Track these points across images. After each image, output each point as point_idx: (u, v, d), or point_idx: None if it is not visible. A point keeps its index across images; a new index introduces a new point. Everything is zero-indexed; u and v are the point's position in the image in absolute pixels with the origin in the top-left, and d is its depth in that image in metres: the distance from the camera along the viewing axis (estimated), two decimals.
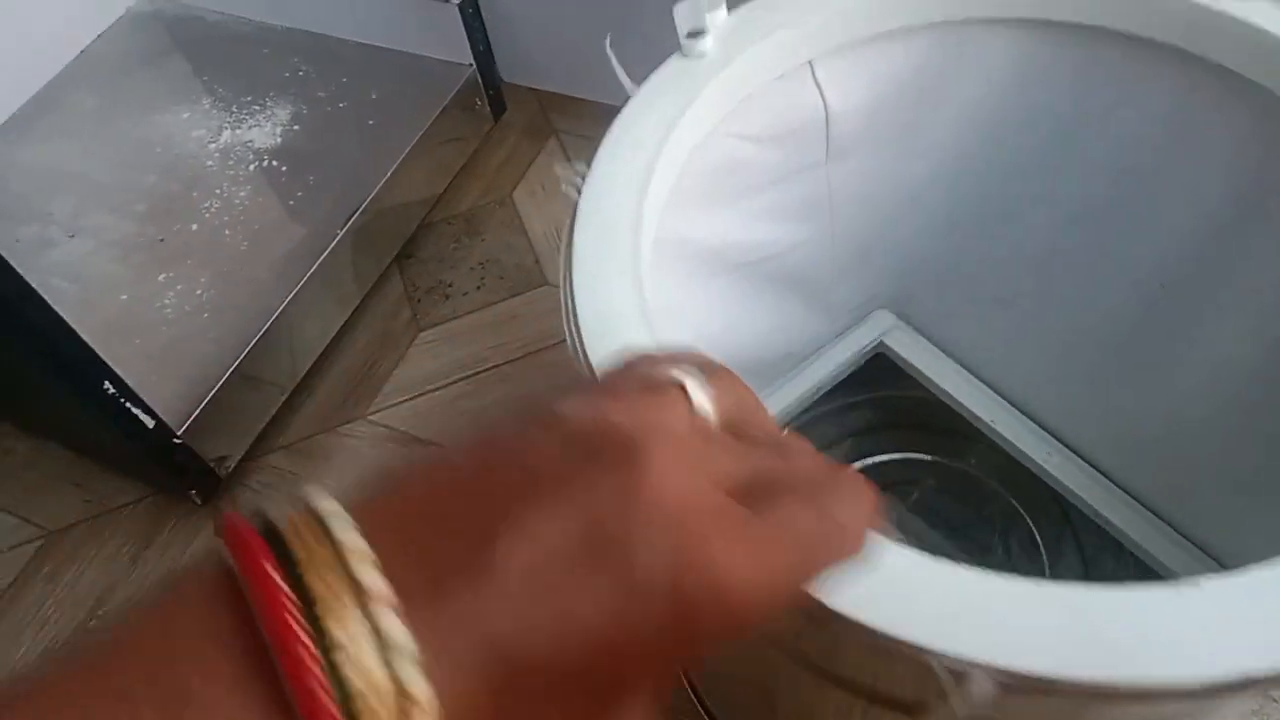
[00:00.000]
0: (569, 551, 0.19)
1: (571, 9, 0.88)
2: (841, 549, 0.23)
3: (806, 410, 0.64)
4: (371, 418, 0.84)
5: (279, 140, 0.89)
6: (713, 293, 0.51)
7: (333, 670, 0.17)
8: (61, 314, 0.60)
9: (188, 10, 1.03)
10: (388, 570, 0.18)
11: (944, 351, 0.63)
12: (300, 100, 0.92)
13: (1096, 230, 0.52)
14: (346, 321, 0.87)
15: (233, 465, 0.79)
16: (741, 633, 0.21)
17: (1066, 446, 0.59)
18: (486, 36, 0.93)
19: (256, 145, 0.88)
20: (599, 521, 0.20)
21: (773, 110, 0.45)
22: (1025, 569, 0.59)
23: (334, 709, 0.17)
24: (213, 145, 0.89)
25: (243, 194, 0.85)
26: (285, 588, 0.18)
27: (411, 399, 0.85)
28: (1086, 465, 0.59)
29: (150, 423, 0.70)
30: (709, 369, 0.25)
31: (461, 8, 0.88)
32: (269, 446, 0.83)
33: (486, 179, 0.98)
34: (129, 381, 0.69)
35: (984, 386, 0.61)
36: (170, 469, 0.74)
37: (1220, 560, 0.55)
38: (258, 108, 0.91)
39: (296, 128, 0.90)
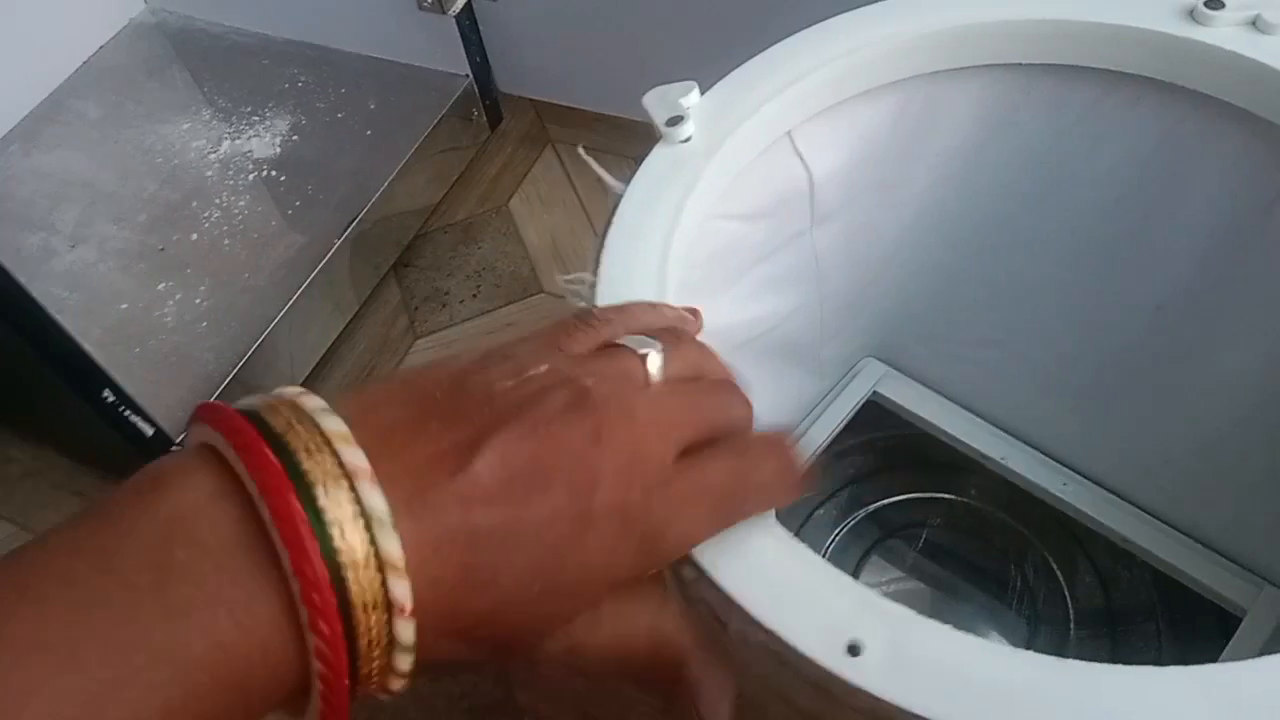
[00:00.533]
0: (533, 473, 0.22)
1: (568, 20, 0.89)
2: (751, 505, 0.27)
3: None
4: None
5: (278, 150, 0.90)
6: None
7: (324, 541, 0.19)
8: (62, 323, 0.61)
9: (190, 21, 1.04)
10: (370, 454, 0.20)
11: (935, 391, 0.63)
12: (299, 111, 0.93)
13: (1085, 265, 0.52)
14: (344, 329, 0.88)
15: None
16: (662, 563, 0.25)
17: (1069, 468, 0.59)
18: (483, 47, 0.94)
19: (256, 155, 0.89)
20: (559, 446, 0.23)
21: (760, 186, 0.44)
22: (1046, 595, 0.60)
23: (325, 574, 0.19)
24: (213, 155, 0.90)
25: (242, 203, 0.86)
26: (280, 465, 0.19)
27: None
28: (1092, 485, 0.59)
29: (149, 430, 0.71)
30: (669, 334, 0.28)
31: (458, 19, 0.89)
32: None
33: (483, 188, 0.99)
34: (129, 390, 0.70)
35: (978, 419, 0.62)
36: None
37: (1242, 563, 0.55)
38: (257, 118, 0.92)
39: (295, 138, 0.91)
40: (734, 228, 0.44)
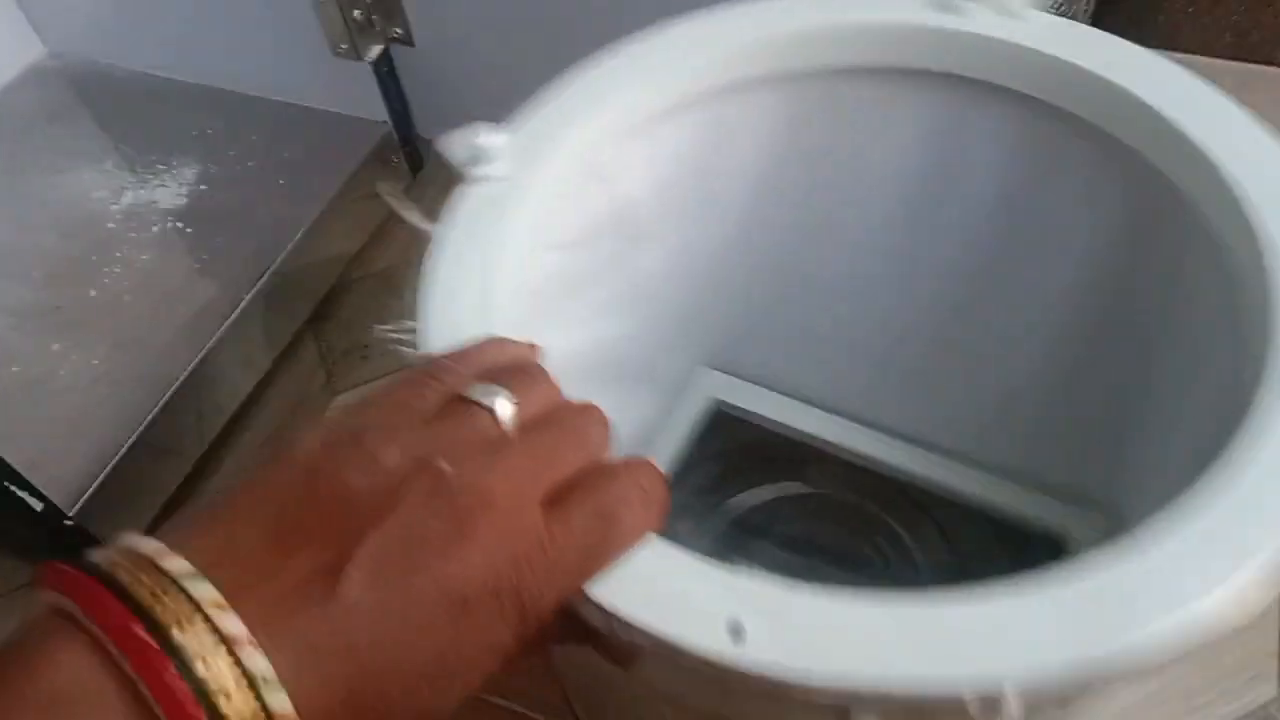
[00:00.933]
0: (402, 580, 0.22)
1: (488, 64, 0.87)
2: (622, 543, 0.27)
3: None
4: None
5: (185, 200, 0.86)
6: None
7: (211, 711, 0.19)
8: None
9: (93, 65, 1.00)
10: (232, 593, 0.20)
11: (773, 390, 0.66)
12: (208, 159, 0.89)
13: (894, 250, 0.55)
14: (255, 387, 0.83)
15: None
16: (543, 625, 0.25)
17: (905, 439, 0.63)
18: (402, 93, 0.91)
19: (161, 206, 0.85)
20: (425, 543, 0.23)
21: (573, 215, 0.45)
22: (898, 562, 0.63)
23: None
24: (114, 206, 0.86)
25: (145, 257, 0.81)
26: (156, 646, 0.19)
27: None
28: (927, 450, 0.63)
29: (38, 506, 0.66)
30: (516, 372, 0.28)
31: (375, 65, 0.86)
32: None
33: (406, 235, 0.96)
34: (15, 462, 0.65)
35: (815, 409, 0.65)
36: (63, 551, 0.70)
37: (1066, 493, 0.60)
38: (163, 167, 0.88)
39: (204, 187, 0.87)
40: (555, 258, 0.44)
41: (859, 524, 0.65)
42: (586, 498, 0.26)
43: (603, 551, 0.26)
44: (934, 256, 0.55)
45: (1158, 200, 0.42)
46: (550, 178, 0.42)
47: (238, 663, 0.19)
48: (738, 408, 0.66)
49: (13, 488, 0.64)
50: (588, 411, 0.29)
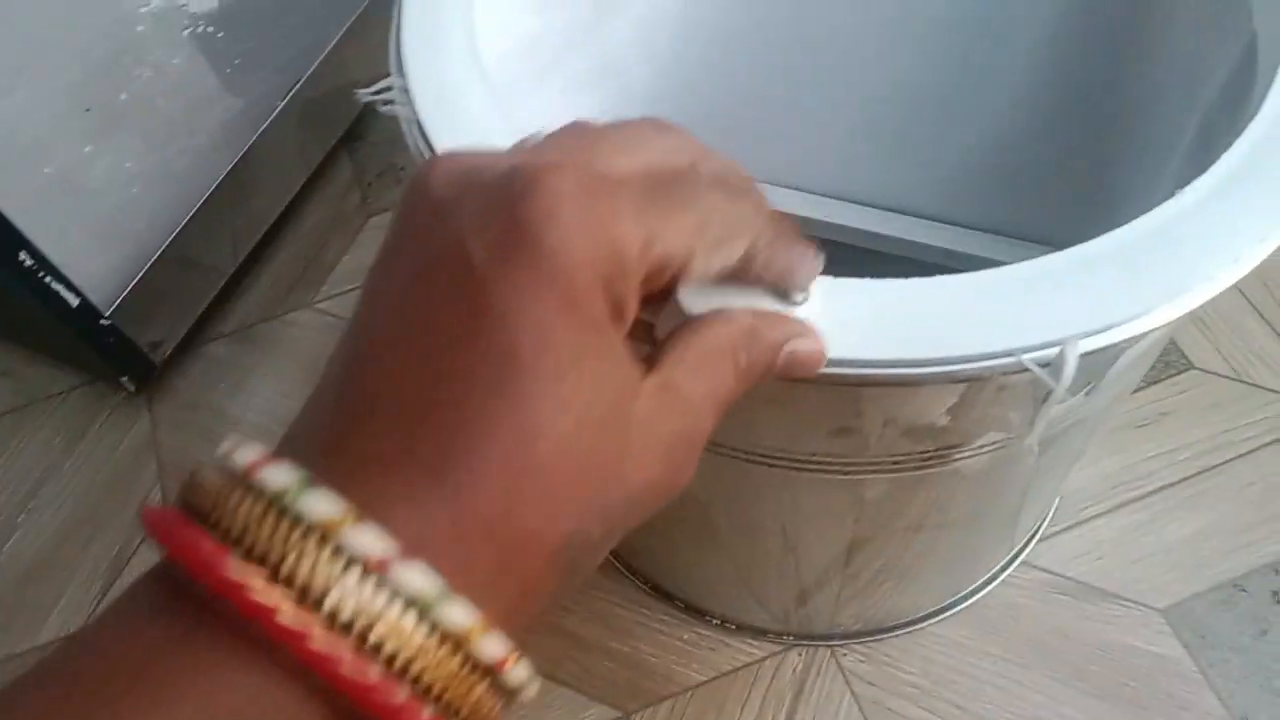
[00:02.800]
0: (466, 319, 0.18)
1: None
2: (756, 233, 0.23)
3: None
4: (319, 305, 0.80)
5: (216, 4, 0.82)
6: None
7: (389, 664, 0.16)
8: None
9: None
10: (374, 508, 0.17)
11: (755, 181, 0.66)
12: None
13: (866, 10, 0.55)
14: (291, 203, 0.82)
15: (168, 351, 0.75)
16: (628, 274, 0.20)
17: (889, 209, 0.64)
18: None
19: (191, 9, 0.81)
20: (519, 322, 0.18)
21: None
22: None
23: (412, 699, 0.16)
24: (144, 9, 0.82)
25: (176, 61, 0.78)
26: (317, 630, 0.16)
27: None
28: (912, 217, 0.63)
29: (74, 301, 0.65)
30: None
31: None
32: (208, 333, 0.79)
33: None
34: (52, 258, 0.64)
35: (801, 192, 0.65)
36: (100, 353, 0.70)
37: (1039, 239, 0.61)
38: None
39: None
40: (526, 23, 0.42)
41: None
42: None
43: (735, 229, 0.23)
44: (912, 7, 0.54)
45: None
46: None
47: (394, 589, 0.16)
48: None
49: (50, 280, 0.63)
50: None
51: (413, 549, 0.16)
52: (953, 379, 0.27)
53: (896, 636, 0.60)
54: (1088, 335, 0.26)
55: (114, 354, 0.71)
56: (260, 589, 0.15)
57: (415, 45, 0.34)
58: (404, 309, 0.19)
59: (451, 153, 0.21)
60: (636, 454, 0.20)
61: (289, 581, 0.16)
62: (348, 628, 0.16)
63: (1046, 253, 0.59)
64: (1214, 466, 0.63)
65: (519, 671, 0.18)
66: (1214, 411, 0.65)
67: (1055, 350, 0.26)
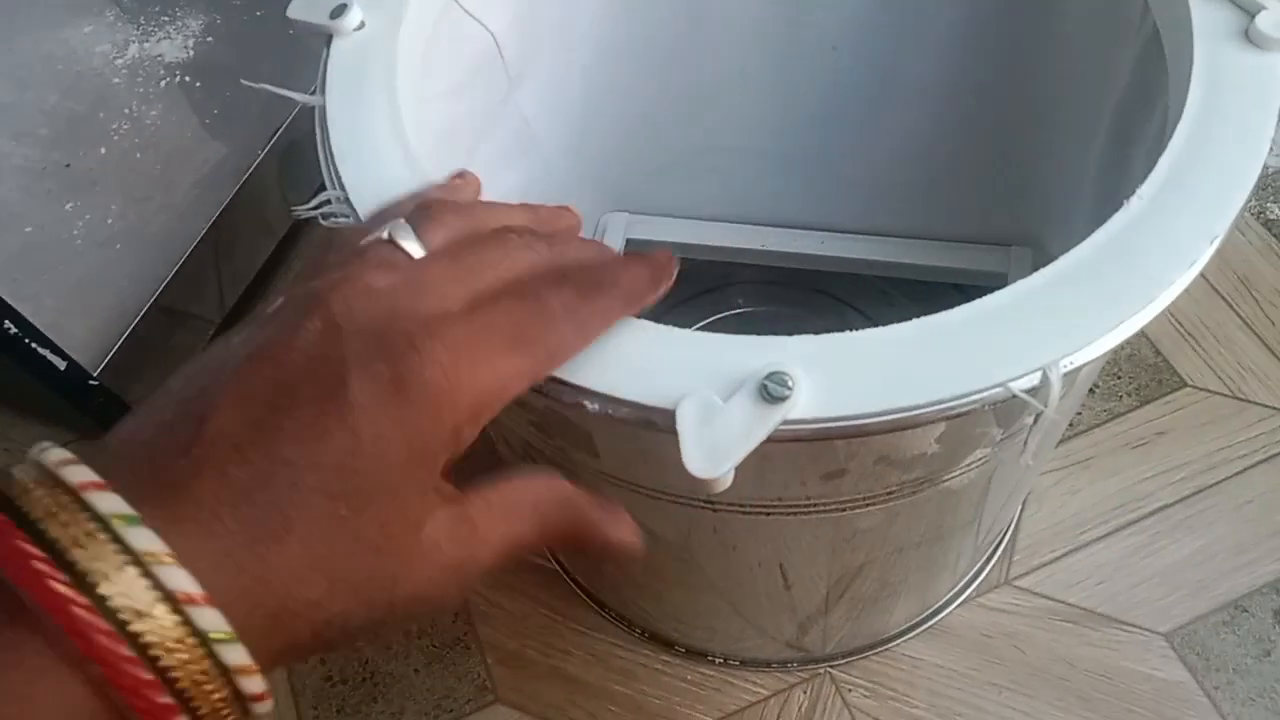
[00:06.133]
0: (274, 397, 0.21)
1: None
2: (568, 328, 0.25)
3: None
4: None
5: (191, 53, 0.81)
6: None
7: (144, 650, 0.18)
8: None
9: None
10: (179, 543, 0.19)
11: (682, 219, 0.66)
12: (213, 9, 0.84)
13: (765, 41, 0.55)
14: (277, 248, 0.81)
15: None
16: (478, 421, 0.23)
17: (820, 230, 0.65)
18: None
19: (167, 59, 0.81)
20: (296, 361, 0.22)
21: (452, 57, 0.44)
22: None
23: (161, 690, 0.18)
24: (119, 61, 0.82)
25: (154, 113, 0.78)
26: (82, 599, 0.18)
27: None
28: (844, 234, 0.64)
29: (62, 365, 0.65)
30: (430, 207, 0.27)
31: None
32: None
33: None
34: (37, 321, 0.63)
35: (730, 225, 0.65)
36: (89, 413, 0.69)
37: (986, 240, 0.62)
38: (167, 18, 0.84)
39: (210, 39, 0.82)
40: (444, 107, 0.43)
41: (788, 333, 0.69)
42: (517, 288, 0.25)
43: (544, 334, 0.25)
44: (809, 36, 0.55)
45: None
46: (417, 18, 0.40)
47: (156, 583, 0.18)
48: (653, 242, 0.66)
49: (35, 346, 0.63)
50: (520, 218, 0.30)
51: (198, 573, 0.19)
52: (945, 417, 0.28)
53: (898, 645, 0.61)
54: (1068, 354, 0.28)
55: (104, 412, 0.70)
56: (43, 562, 0.18)
57: (346, 151, 0.35)
58: (268, 391, 0.21)
59: (352, 275, 0.24)
60: (413, 574, 0.22)
61: (70, 568, 0.18)
62: (112, 613, 0.18)
63: (974, 250, 0.62)
64: (1210, 486, 0.63)
65: (256, 683, 0.20)
66: (1209, 429, 0.65)
67: (1039, 374, 0.27)
